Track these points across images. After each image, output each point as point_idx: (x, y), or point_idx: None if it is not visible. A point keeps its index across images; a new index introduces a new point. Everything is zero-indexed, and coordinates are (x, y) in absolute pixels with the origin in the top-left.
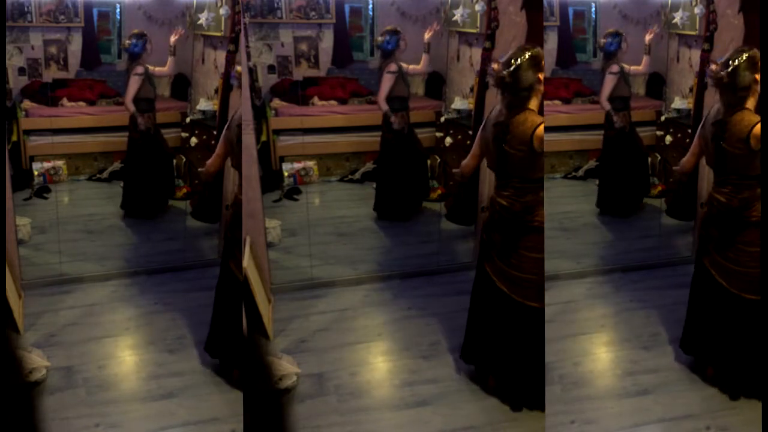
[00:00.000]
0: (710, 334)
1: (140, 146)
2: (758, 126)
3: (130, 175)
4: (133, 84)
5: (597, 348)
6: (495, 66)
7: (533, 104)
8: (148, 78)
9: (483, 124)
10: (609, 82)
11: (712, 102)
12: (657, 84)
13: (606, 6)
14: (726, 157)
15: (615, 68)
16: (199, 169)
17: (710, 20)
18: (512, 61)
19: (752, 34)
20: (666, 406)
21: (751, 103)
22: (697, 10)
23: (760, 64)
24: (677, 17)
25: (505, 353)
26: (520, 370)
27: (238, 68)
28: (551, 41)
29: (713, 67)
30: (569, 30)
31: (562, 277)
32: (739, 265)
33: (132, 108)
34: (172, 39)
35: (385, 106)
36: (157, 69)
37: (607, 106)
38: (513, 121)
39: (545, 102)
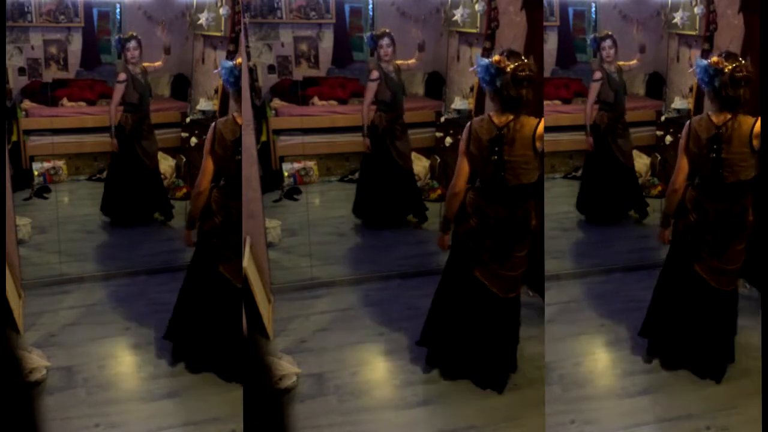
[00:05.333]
0: (696, 330)
1: (120, 150)
2: (758, 124)
3: (111, 180)
4: (117, 92)
5: (597, 348)
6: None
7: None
8: (133, 82)
9: (467, 139)
10: (594, 90)
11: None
12: (657, 84)
13: (606, 6)
14: (724, 165)
15: (598, 75)
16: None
17: (710, 20)
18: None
19: (752, 34)
20: (666, 406)
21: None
22: (697, 10)
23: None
24: (677, 17)
25: (487, 347)
26: (500, 359)
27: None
28: (551, 41)
29: (715, 60)
30: (569, 30)
31: (562, 277)
32: (730, 264)
33: (114, 116)
34: (165, 40)
35: (367, 115)
36: (156, 64)
37: (590, 114)
38: (510, 127)
39: (545, 102)
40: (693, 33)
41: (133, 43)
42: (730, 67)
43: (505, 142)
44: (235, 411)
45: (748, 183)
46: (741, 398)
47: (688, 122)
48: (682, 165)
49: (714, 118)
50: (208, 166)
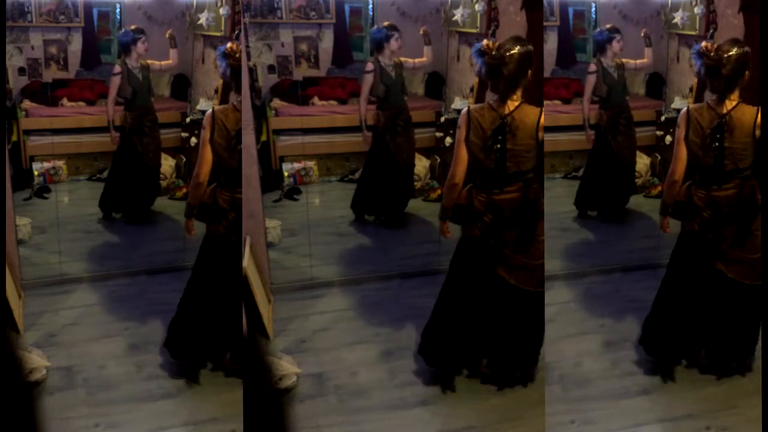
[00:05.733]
0: (717, 333)
1: (119, 146)
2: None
3: (110, 176)
4: (113, 85)
5: (597, 348)
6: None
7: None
8: (128, 75)
9: (467, 127)
10: (589, 83)
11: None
12: (657, 84)
13: (606, 6)
14: (726, 154)
15: (593, 67)
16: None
17: (710, 20)
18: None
19: (752, 34)
20: (666, 406)
21: (737, 96)
22: (697, 10)
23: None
24: (677, 17)
25: (513, 347)
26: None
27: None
28: (551, 41)
29: (704, 44)
30: (569, 30)
31: (562, 277)
32: (753, 252)
33: (112, 110)
34: (168, 33)
35: (364, 109)
36: (164, 63)
37: (588, 108)
38: (514, 116)
39: (545, 102)
40: (693, 33)
41: (144, 36)
42: (711, 53)
43: (509, 131)
44: (235, 411)
45: (747, 168)
46: (741, 398)
47: (685, 110)
48: (681, 155)
49: (716, 107)
50: (206, 155)
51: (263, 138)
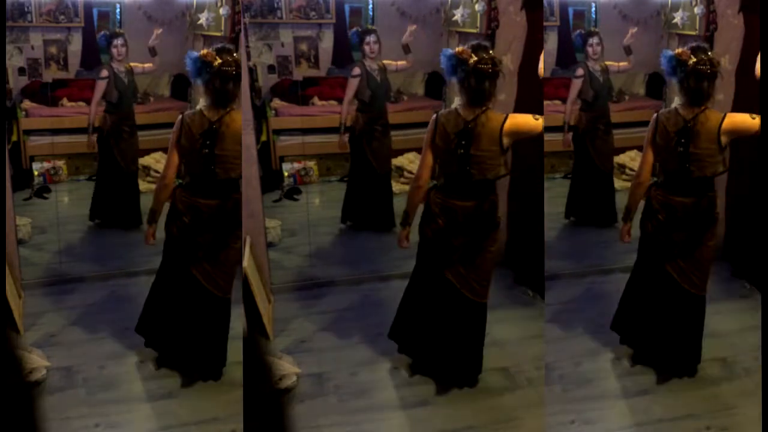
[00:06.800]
0: (662, 332)
1: (99, 151)
2: (726, 120)
3: (97, 182)
4: (98, 89)
5: (597, 348)
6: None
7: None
8: (115, 79)
9: (433, 130)
10: (575, 86)
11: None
12: (657, 84)
13: (606, 6)
14: (692, 160)
15: (580, 71)
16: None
17: (710, 20)
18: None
19: (752, 34)
20: (666, 406)
21: (709, 102)
22: (697, 10)
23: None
24: (677, 17)
25: (462, 354)
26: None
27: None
28: (551, 41)
29: (678, 51)
30: (569, 30)
31: (562, 277)
32: (702, 262)
33: (95, 114)
34: (152, 41)
35: (346, 112)
36: (146, 65)
37: (569, 111)
38: (477, 122)
39: (545, 102)
40: (693, 33)
41: (119, 40)
42: (694, 59)
43: (472, 136)
44: (235, 411)
45: (713, 178)
46: (741, 398)
47: (655, 115)
48: (647, 158)
49: (683, 112)
50: (173, 158)
51: (263, 138)
